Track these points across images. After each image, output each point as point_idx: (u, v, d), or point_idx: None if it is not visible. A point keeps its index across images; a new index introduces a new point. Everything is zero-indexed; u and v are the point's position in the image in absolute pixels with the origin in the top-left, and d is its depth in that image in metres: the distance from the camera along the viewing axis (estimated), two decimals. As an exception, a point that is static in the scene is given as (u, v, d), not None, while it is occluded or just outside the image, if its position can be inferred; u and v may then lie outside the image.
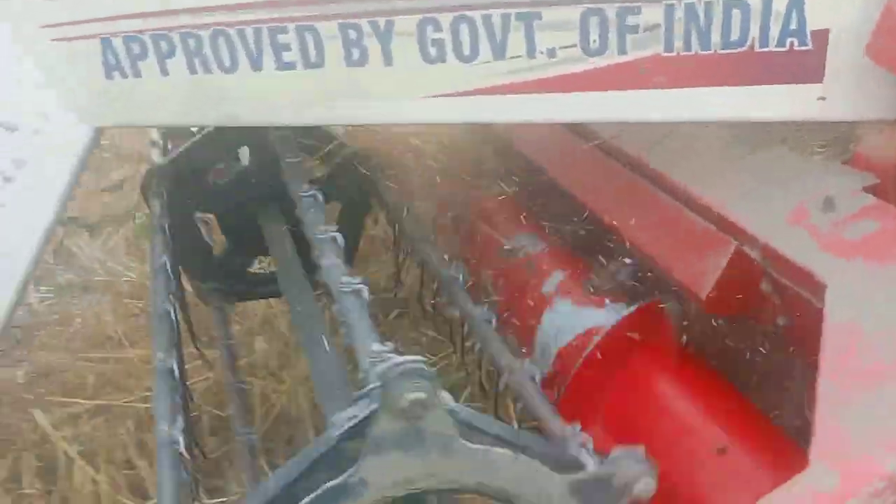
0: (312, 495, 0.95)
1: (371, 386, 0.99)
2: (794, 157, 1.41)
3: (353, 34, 1.31)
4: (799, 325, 1.32)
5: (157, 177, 1.95)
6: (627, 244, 1.54)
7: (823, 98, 1.21)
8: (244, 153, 2.16)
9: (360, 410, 0.97)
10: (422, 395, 0.96)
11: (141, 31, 1.38)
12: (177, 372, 1.40)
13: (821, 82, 1.21)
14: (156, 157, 2.11)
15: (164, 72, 1.41)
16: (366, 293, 1.30)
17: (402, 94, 1.34)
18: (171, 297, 1.60)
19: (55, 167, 1.52)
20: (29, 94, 1.46)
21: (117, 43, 1.40)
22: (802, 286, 1.25)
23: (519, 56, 1.27)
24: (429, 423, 0.97)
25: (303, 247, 1.78)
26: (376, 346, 1.09)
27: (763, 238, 1.30)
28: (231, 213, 2.12)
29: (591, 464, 1.07)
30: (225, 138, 2.04)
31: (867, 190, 1.28)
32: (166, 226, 1.77)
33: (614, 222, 1.58)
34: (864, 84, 1.19)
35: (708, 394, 1.50)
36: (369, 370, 1.02)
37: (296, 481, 0.95)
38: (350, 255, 2.23)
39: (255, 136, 2.03)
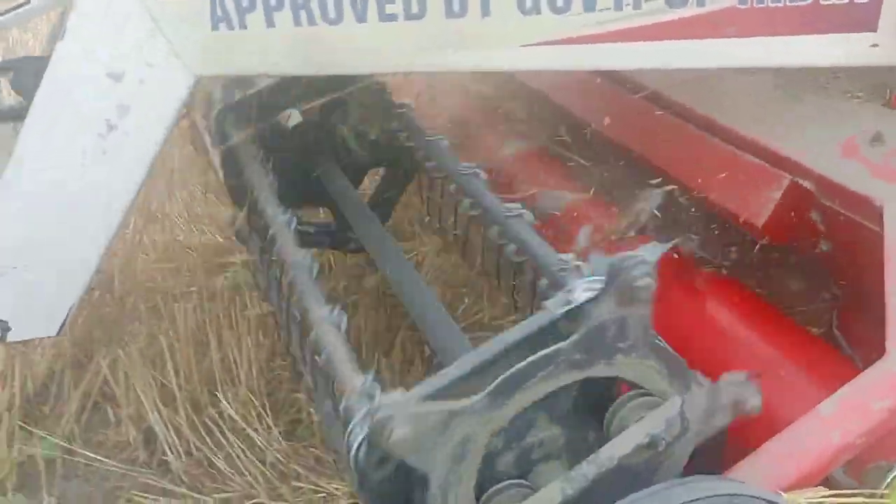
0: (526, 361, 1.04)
1: (594, 278, 1.06)
2: (838, 100, 1.59)
3: (455, -13, 1.44)
4: (847, 247, 1.51)
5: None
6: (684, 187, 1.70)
7: (876, 45, 1.39)
8: (293, 115, 2.26)
9: (578, 296, 1.05)
10: (649, 281, 1.04)
11: (251, -15, 1.48)
12: None
13: (875, 31, 1.39)
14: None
15: (270, 24, 1.51)
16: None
17: (498, 44, 1.47)
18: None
19: (158, 114, 1.60)
20: (136, 45, 1.54)
21: (227, -4, 1.50)
22: (856, 211, 1.43)
23: (608, 8, 1.42)
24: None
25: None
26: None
27: (817, 170, 1.49)
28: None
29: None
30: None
31: (909, 126, 1.47)
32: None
33: (668, 168, 1.75)
34: (912, 32, 1.38)
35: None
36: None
37: (510, 349, 1.05)
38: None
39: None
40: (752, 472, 1.10)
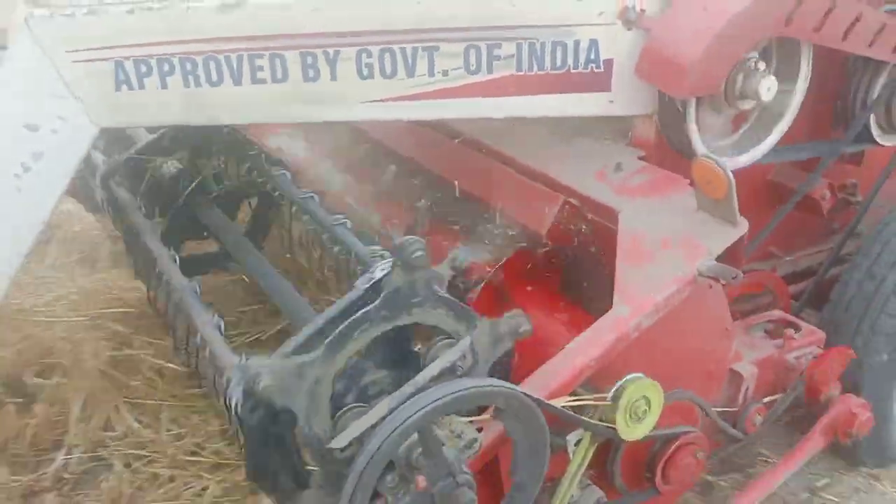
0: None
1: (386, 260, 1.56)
2: (594, 141, 2.18)
3: (310, 59, 1.91)
4: (604, 246, 2.07)
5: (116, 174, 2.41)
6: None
7: (612, 101, 1.98)
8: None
9: (378, 273, 1.56)
10: (422, 253, 1.51)
11: (149, 56, 1.89)
12: None
13: (610, 91, 1.98)
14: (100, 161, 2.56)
15: (164, 86, 1.92)
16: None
17: (343, 101, 1.96)
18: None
19: (66, 158, 1.95)
20: (50, 101, 1.90)
21: (128, 64, 1.90)
22: (605, 217, 2.00)
23: (423, 74, 1.94)
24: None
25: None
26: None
27: (580, 190, 2.04)
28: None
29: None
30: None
31: (640, 158, 2.07)
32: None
33: (480, 193, 2.28)
34: (634, 91, 1.98)
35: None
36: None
37: (336, 318, 1.50)
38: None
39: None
40: (526, 387, 1.59)
